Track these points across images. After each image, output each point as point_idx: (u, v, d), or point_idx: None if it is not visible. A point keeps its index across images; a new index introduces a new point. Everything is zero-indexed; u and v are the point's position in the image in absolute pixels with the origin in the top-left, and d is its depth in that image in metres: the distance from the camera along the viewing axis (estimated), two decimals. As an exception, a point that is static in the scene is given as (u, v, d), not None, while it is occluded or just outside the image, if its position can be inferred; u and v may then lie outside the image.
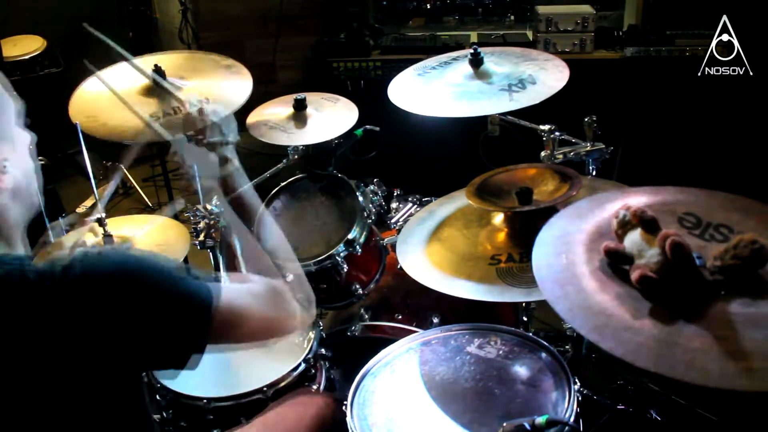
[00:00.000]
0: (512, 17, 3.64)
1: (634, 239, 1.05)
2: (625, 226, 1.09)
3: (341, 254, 1.93)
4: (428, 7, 3.71)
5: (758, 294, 0.95)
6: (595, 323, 0.96)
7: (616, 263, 1.06)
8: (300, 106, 2.16)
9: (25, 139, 1.03)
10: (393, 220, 2.34)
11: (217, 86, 2.11)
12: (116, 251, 0.98)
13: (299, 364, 1.71)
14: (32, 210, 1.04)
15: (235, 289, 1.07)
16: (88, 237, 1.53)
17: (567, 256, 1.10)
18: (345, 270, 1.94)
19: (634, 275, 0.99)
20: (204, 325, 0.97)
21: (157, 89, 2.11)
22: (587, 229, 1.16)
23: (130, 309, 0.90)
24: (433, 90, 1.83)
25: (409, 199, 2.49)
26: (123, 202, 4.15)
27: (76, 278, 0.87)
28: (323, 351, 1.85)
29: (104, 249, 0.98)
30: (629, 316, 0.95)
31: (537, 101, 1.67)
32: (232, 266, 2.26)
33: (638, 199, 1.19)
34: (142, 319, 0.91)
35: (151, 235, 1.98)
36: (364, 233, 2.00)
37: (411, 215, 2.30)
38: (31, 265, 0.90)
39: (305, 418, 1.53)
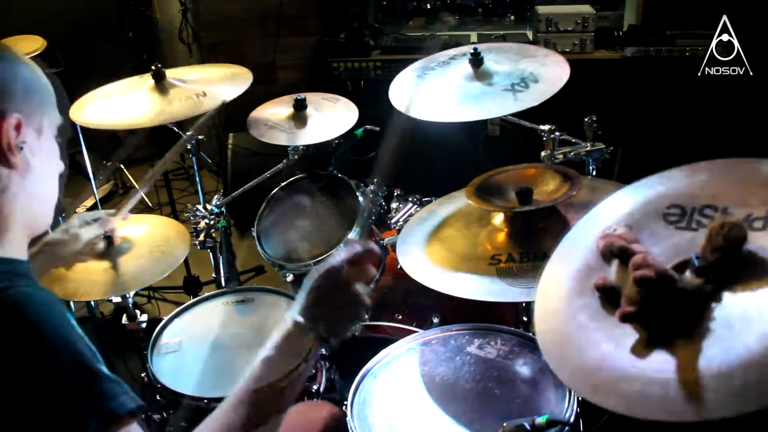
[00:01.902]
0: (512, 17, 3.64)
1: (614, 270, 0.97)
2: (605, 256, 0.99)
3: (341, 254, 1.93)
4: (428, 7, 3.71)
5: (748, 284, 0.85)
6: (592, 381, 0.87)
7: (610, 298, 0.95)
8: (300, 106, 2.16)
9: (54, 148, 1.00)
10: (393, 220, 2.34)
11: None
12: (50, 300, 0.87)
13: (299, 365, 1.70)
14: (38, 230, 1.01)
15: None
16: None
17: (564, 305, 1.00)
18: (345, 270, 1.94)
19: (616, 315, 0.90)
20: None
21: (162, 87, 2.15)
22: (577, 269, 1.04)
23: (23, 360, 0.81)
24: (436, 94, 1.82)
25: (409, 199, 2.49)
26: (123, 203, 4.14)
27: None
28: (323, 351, 1.85)
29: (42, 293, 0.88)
30: (623, 363, 0.86)
31: (541, 100, 1.65)
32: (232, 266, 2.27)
33: (620, 205, 1.12)
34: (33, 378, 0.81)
35: (151, 235, 1.98)
36: (364, 233, 1.99)
37: (411, 215, 2.30)
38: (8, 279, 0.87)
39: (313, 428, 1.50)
